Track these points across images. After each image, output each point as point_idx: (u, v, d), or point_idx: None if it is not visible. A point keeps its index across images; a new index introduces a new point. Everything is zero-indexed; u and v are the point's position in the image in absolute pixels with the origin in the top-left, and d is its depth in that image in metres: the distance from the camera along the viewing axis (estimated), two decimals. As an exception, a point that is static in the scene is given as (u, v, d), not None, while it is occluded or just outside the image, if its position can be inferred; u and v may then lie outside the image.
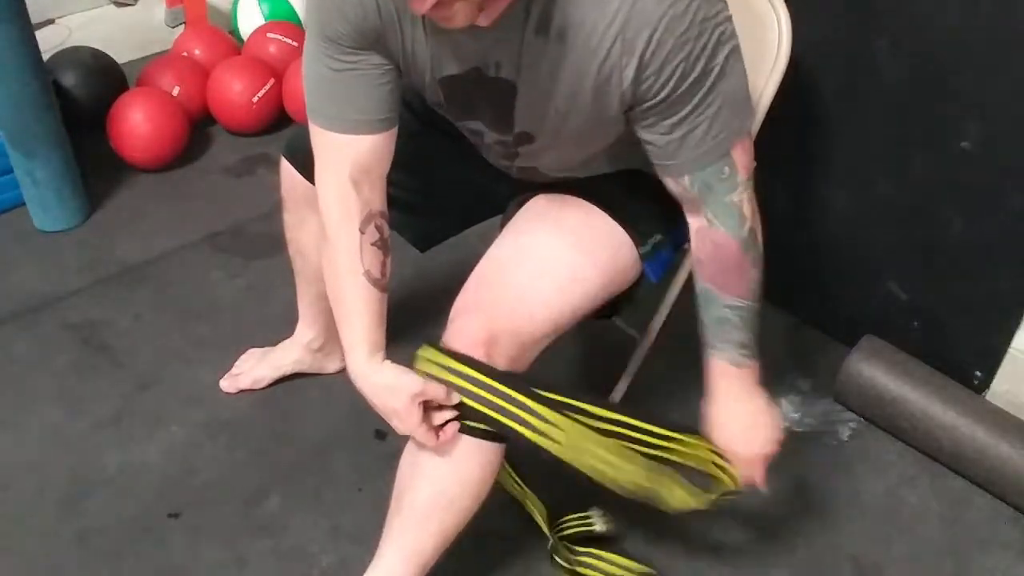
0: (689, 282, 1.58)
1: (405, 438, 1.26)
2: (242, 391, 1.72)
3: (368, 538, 1.27)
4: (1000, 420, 1.57)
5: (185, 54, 2.55)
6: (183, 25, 2.92)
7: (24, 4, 1.87)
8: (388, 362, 1.18)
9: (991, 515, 1.56)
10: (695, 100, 1.03)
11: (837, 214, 1.77)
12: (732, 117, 1.07)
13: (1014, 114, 1.45)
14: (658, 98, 1.03)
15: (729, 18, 1.04)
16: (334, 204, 1.19)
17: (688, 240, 1.44)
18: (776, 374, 1.79)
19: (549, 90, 1.07)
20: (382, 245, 1.20)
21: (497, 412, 1.13)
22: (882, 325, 1.74)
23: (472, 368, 1.12)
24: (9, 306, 1.90)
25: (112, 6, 2.95)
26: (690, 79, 1.01)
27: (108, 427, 1.65)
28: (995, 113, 1.47)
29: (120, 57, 2.49)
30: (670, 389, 1.75)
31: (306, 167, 1.43)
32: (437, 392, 1.12)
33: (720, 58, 1.02)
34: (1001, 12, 1.40)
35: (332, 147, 1.17)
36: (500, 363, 1.18)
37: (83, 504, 1.52)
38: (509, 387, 1.13)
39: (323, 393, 1.73)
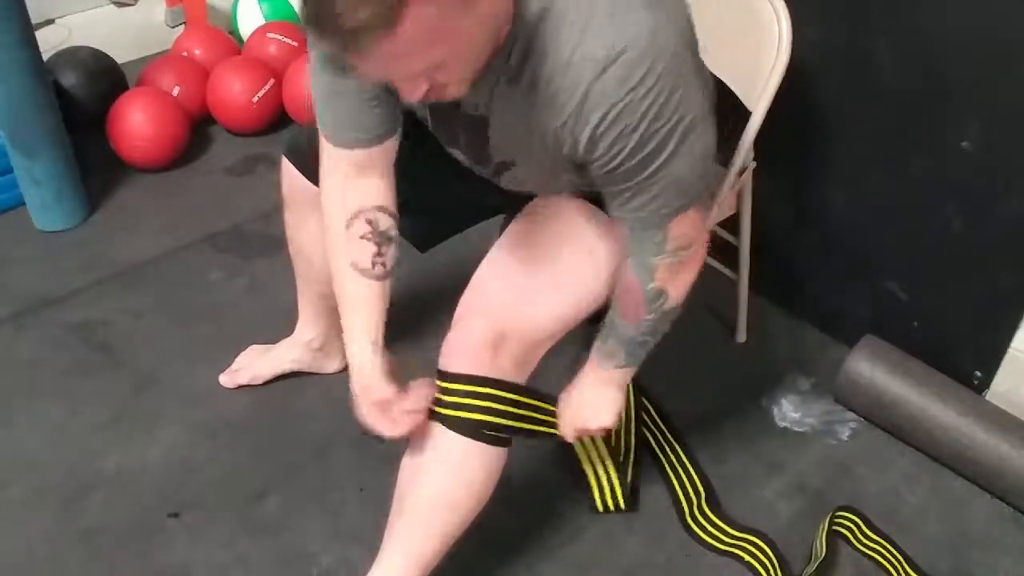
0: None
1: (406, 438, 1.26)
2: (241, 387, 1.72)
3: (368, 538, 1.27)
4: (1000, 420, 1.57)
5: (185, 54, 2.55)
6: (183, 25, 2.91)
7: (24, 4, 1.87)
8: (380, 357, 1.20)
9: (991, 515, 1.56)
10: (639, 178, 1.04)
11: (837, 214, 1.77)
12: (676, 196, 1.08)
13: (1014, 114, 1.45)
14: (606, 168, 1.04)
15: (697, 89, 1.03)
16: (330, 203, 1.23)
17: None
18: (776, 374, 1.79)
19: (519, 131, 1.09)
20: (373, 237, 1.21)
21: (519, 421, 1.23)
22: (882, 325, 1.74)
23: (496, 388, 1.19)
24: (9, 306, 1.90)
25: (112, 6, 2.95)
26: (636, 159, 1.02)
27: (108, 427, 1.65)
28: (995, 113, 1.47)
29: (120, 57, 2.49)
30: (670, 389, 1.75)
31: (306, 166, 1.43)
32: (400, 402, 1.18)
33: (672, 144, 1.02)
34: (1001, 13, 1.40)
35: (332, 152, 1.20)
36: (506, 365, 1.19)
37: (83, 504, 1.52)
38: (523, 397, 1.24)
39: (323, 393, 1.73)
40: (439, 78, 0.93)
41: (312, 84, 1.17)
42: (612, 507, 1.52)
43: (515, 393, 1.21)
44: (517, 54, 1.00)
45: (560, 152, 1.07)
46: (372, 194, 1.21)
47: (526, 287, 1.20)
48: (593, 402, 1.30)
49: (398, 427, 1.17)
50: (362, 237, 1.20)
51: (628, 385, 1.35)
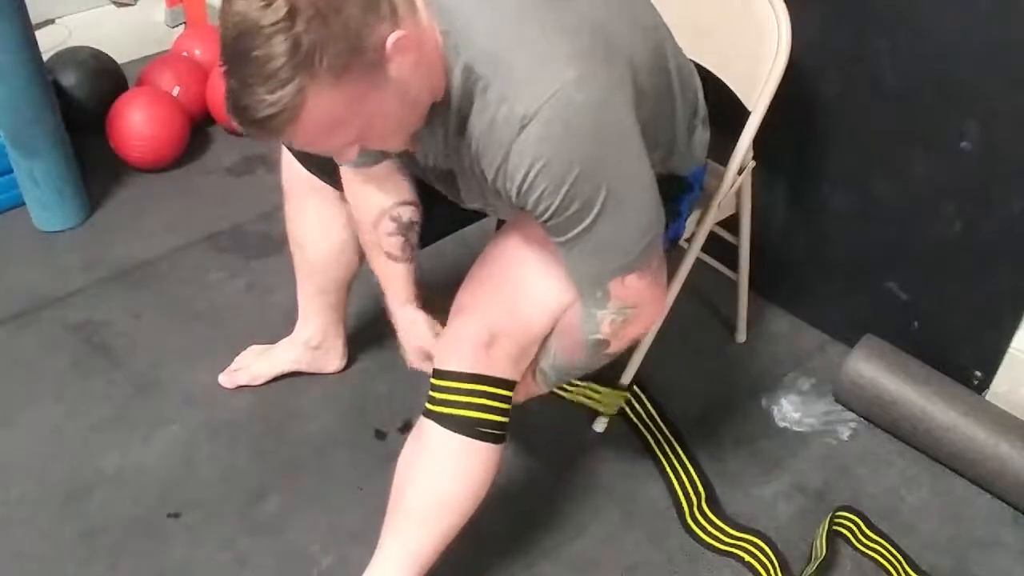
0: (689, 282, 1.59)
1: (406, 438, 1.27)
2: (240, 387, 1.72)
3: (368, 538, 1.27)
4: (1000, 420, 1.57)
5: (185, 54, 2.55)
6: (183, 25, 2.91)
7: (24, 4, 1.87)
8: (419, 312, 1.38)
9: (991, 515, 1.56)
10: (567, 236, 1.05)
11: (837, 214, 1.77)
12: (609, 259, 1.09)
13: (1014, 114, 1.45)
14: (540, 220, 1.05)
15: (627, 158, 1.04)
16: (357, 207, 1.36)
17: (680, 237, 1.45)
18: (776, 374, 1.79)
19: (472, 177, 1.12)
20: (399, 230, 1.34)
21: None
22: (882, 325, 1.74)
23: None
24: (9, 306, 1.90)
25: (112, 6, 2.95)
26: (562, 218, 1.03)
27: (108, 427, 1.65)
28: (995, 113, 1.47)
29: (120, 57, 2.48)
30: (671, 389, 1.76)
31: (306, 157, 1.43)
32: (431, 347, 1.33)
33: (597, 207, 1.02)
34: (1000, 13, 1.40)
35: (351, 171, 1.32)
36: (502, 362, 1.19)
37: (83, 504, 1.52)
38: None
39: (323, 393, 1.73)
40: (367, 143, 1.00)
41: None
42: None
43: (510, 389, 1.21)
44: (455, 110, 1.03)
45: (504, 197, 1.09)
46: (392, 192, 1.32)
47: (519, 286, 1.20)
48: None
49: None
50: (390, 234, 1.34)
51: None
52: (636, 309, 1.15)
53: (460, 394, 1.18)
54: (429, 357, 1.32)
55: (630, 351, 1.62)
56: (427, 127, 1.07)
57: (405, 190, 1.32)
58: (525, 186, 1.00)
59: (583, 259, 1.09)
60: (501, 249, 1.26)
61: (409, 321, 1.38)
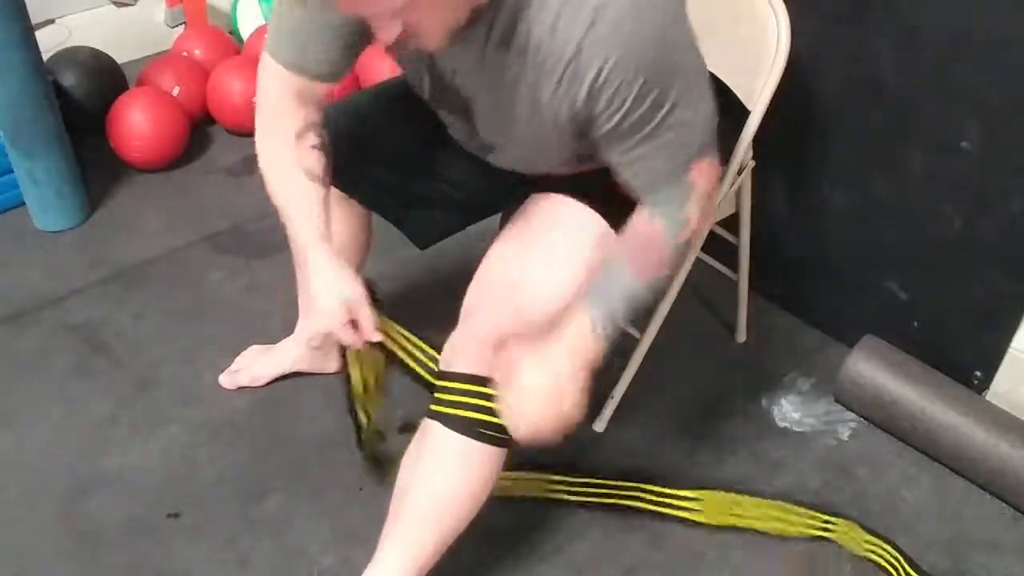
0: (689, 282, 1.59)
1: (407, 439, 1.26)
2: (241, 388, 1.72)
3: (368, 538, 1.27)
4: (1000, 420, 1.57)
5: (185, 54, 2.55)
6: (183, 25, 2.92)
7: (24, 4, 1.87)
8: (339, 259, 1.21)
9: (991, 515, 1.56)
10: (646, 130, 1.04)
11: (837, 214, 1.77)
12: (687, 144, 1.09)
13: (1014, 114, 1.45)
14: (610, 124, 1.04)
15: (690, 45, 1.04)
16: (273, 118, 1.24)
17: None
18: (776, 374, 1.79)
19: (511, 100, 1.09)
20: (321, 148, 1.25)
21: None
22: (882, 325, 1.74)
23: None
24: (9, 306, 1.90)
25: (112, 6, 2.95)
26: (640, 111, 1.02)
27: (108, 427, 1.65)
28: (995, 113, 1.47)
29: (120, 57, 2.48)
30: (670, 389, 1.76)
31: None
32: (367, 315, 1.20)
33: (673, 93, 1.02)
34: (1000, 12, 1.40)
35: (280, 74, 1.21)
36: None
37: (83, 504, 1.52)
38: None
39: (323, 393, 1.73)
40: (411, 21, 0.94)
41: (276, 15, 1.20)
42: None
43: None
44: (505, 15, 1.00)
45: (557, 121, 1.07)
46: (312, 113, 1.25)
47: (526, 287, 1.20)
48: (556, 386, 1.13)
49: (360, 336, 1.20)
50: (313, 147, 1.24)
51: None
52: (711, 197, 1.15)
53: (466, 395, 1.18)
54: (347, 322, 1.18)
55: (626, 354, 1.62)
56: (461, 41, 1.03)
57: (321, 117, 1.27)
58: (600, 81, 0.98)
59: (662, 152, 1.07)
60: (506, 249, 1.26)
61: (327, 263, 1.20)
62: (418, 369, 1.24)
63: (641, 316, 1.20)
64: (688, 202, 1.13)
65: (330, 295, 1.19)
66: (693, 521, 1.51)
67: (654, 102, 1.01)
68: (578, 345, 1.14)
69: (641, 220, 1.16)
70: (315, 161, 1.24)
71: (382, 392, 1.36)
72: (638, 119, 1.03)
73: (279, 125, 1.24)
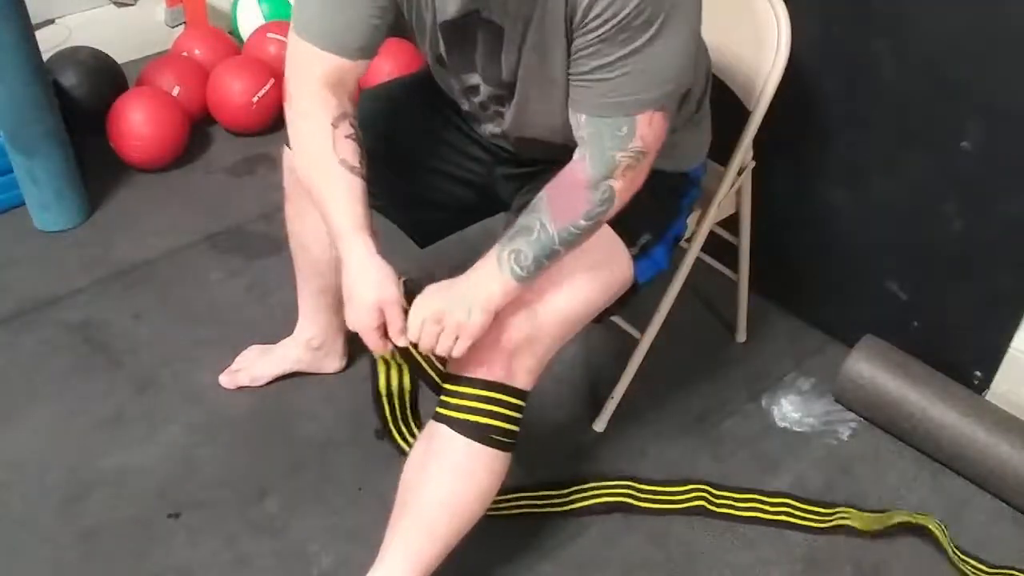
0: (689, 282, 1.59)
1: (411, 440, 1.26)
2: (240, 388, 1.72)
3: (368, 538, 1.27)
4: (1000, 420, 1.57)
5: (185, 54, 2.55)
6: (183, 25, 2.91)
7: (24, 4, 1.87)
8: (378, 256, 1.16)
9: (991, 515, 1.56)
10: (625, 50, 1.06)
11: (837, 214, 1.77)
12: (649, 85, 1.09)
13: (1014, 114, 1.45)
14: (597, 31, 1.05)
15: (692, 4, 1.08)
16: (307, 102, 1.22)
17: (682, 235, 1.44)
18: (776, 374, 1.79)
19: (530, 32, 1.10)
20: (356, 139, 1.22)
21: None
22: (882, 325, 1.74)
23: None
24: (9, 306, 1.90)
25: (112, 6, 2.95)
26: (627, 26, 1.04)
27: (108, 427, 1.65)
28: (995, 113, 1.47)
29: (120, 57, 2.48)
30: (670, 389, 1.76)
31: None
32: (396, 319, 1.14)
33: (659, 21, 1.05)
34: (1000, 12, 1.40)
35: (312, 57, 1.19)
36: (521, 373, 1.19)
37: (83, 504, 1.52)
38: None
39: (323, 393, 1.73)
40: None
41: None
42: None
43: (524, 399, 1.21)
44: None
45: (560, 49, 1.09)
46: (348, 104, 1.23)
47: (532, 298, 1.20)
48: (463, 295, 1.13)
49: (388, 344, 1.15)
50: (347, 137, 1.21)
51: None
52: (646, 157, 1.14)
53: (475, 400, 1.17)
54: (378, 325, 1.14)
55: (626, 354, 1.62)
56: None
57: (354, 109, 1.25)
58: None
59: (625, 81, 1.08)
60: None
61: (365, 257, 1.15)
62: (430, 371, 1.22)
63: (547, 264, 1.16)
64: (624, 148, 1.12)
65: (366, 294, 1.14)
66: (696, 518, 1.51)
67: (640, 25, 1.04)
68: (480, 280, 1.14)
69: (572, 160, 1.15)
70: (352, 152, 1.20)
71: (408, 395, 1.31)
72: (623, 35, 1.05)
73: (312, 111, 1.21)
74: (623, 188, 1.15)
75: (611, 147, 1.12)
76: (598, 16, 1.04)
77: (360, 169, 1.20)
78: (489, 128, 1.32)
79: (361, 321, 1.14)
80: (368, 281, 1.14)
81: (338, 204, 1.19)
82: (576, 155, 1.15)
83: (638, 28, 1.04)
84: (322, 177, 1.20)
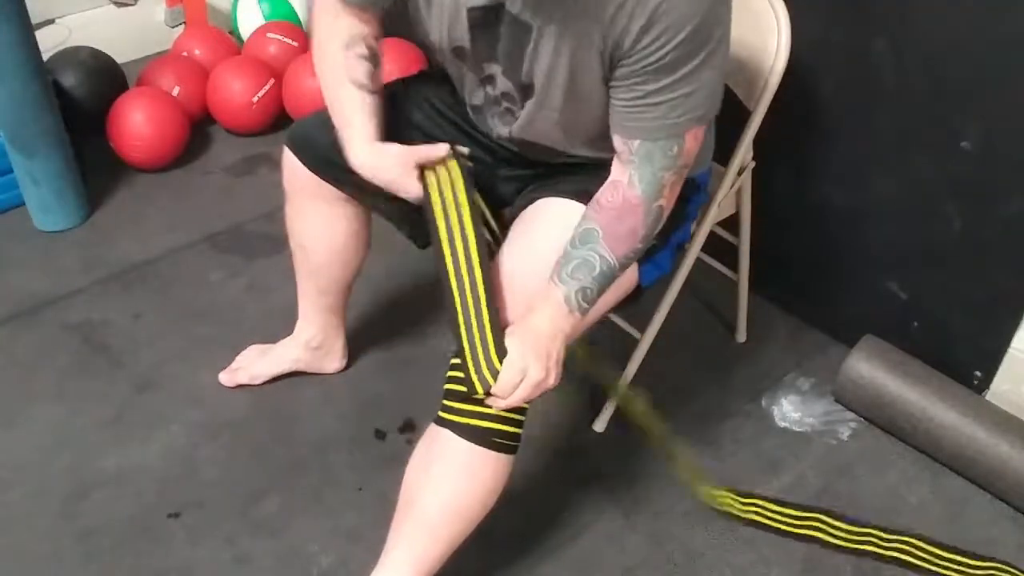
0: (689, 282, 1.59)
1: (405, 439, 1.26)
2: (240, 386, 1.72)
3: (368, 538, 1.27)
4: (1000, 420, 1.57)
5: (185, 54, 2.55)
6: (183, 25, 2.91)
7: (24, 4, 1.87)
8: (385, 144, 1.27)
9: (991, 515, 1.56)
10: (677, 75, 1.08)
11: (837, 214, 1.77)
12: (699, 104, 1.12)
13: (1014, 114, 1.45)
14: (648, 60, 1.07)
15: (730, 20, 1.11)
16: (325, 32, 1.31)
17: (687, 241, 1.44)
18: (776, 374, 1.79)
19: (560, 36, 1.11)
20: (370, 58, 1.30)
21: None
22: (882, 325, 1.74)
23: None
24: (9, 306, 1.90)
25: (112, 6, 2.95)
26: (682, 52, 1.06)
27: (108, 427, 1.65)
28: (995, 113, 1.47)
29: (120, 57, 2.49)
30: (670, 389, 1.76)
31: (305, 154, 1.44)
32: (427, 151, 1.25)
33: (711, 46, 1.08)
34: (1000, 12, 1.40)
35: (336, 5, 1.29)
36: None
37: (83, 504, 1.52)
38: None
39: (323, 393, 1.73)
40: None
41: None
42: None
43: (527, 401, 1.20)
44: None
45: (595, 61, 1.10)
46: (365, 26, 1.30)
47: (535, 291, 1.19)
48: (541, 348, 1.14)
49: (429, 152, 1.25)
50: (360, 56, 1.29)
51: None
52: (687, 167, 1.18)
53: (478, 404, 1.17)
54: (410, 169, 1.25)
55: (626, 354, 1.62)
56: None
57: (380, 26, 1.32)
58: (660, 11, 1.04)
59: (676, 106, 1.11)
60: (513, 258, 1.25)
61: (379, 153, 1.27)
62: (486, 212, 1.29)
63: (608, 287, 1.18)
64: (671, 168, 1.15)
65: (393, 176, 1.26)
66: (692, 520, 1.50)
67: (693, 49, 1.07)
68: (552, 322, 1.16)
69: (620, 183, 1.17)
70: (362, 71, 1.28)
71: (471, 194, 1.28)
72: (677, 60, 1.07)
73: (331, 34, 1.29)
74: (667, 205, 1.19)
75: (661, 167, 1.15)
76: (649, 46, 1.06)
77: (371, 85, 1.28)
78: (497, 127, 1.31)
79: (406, 186, 1.26)
80: (388, 166, 1.26)
81: (351, 116, 1.28)
82: (620, 176, 1.17)
83: (690, 54, 1.07)
84: (335, 97, 1.30)
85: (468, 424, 1.17)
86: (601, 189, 1.19)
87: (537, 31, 1.12)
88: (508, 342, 1.14)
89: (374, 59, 1.30)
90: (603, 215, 1.17)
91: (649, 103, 1.11)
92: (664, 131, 1.13)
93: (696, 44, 1.06)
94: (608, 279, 1.18)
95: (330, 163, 1.39)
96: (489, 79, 1.25)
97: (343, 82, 1.28)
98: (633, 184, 1.16)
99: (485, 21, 1.16)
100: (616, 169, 1.19)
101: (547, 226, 1.24)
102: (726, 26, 1.10)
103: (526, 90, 1.20)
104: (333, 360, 1.74)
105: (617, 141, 1.17)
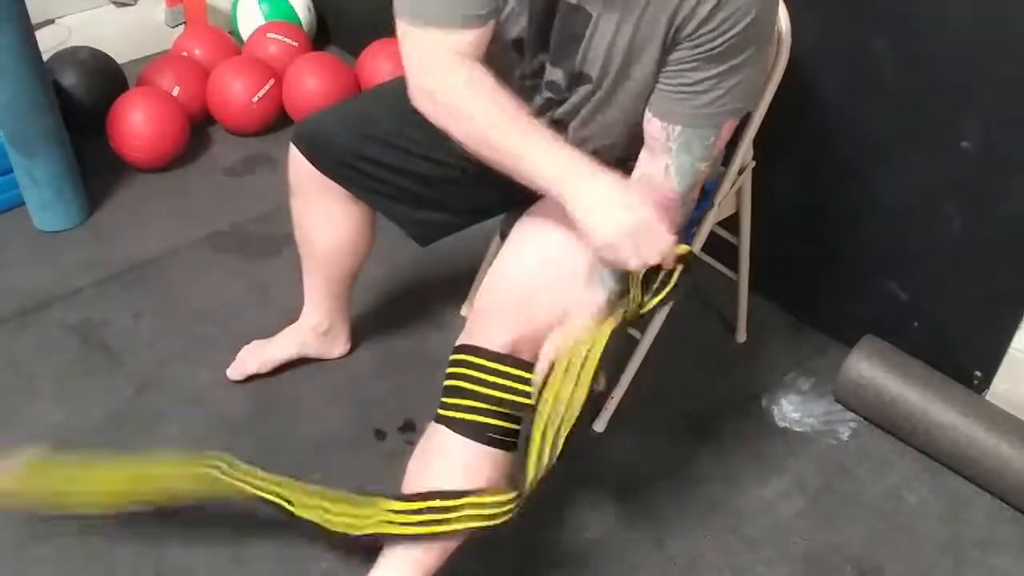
0: (689, 282, 1.58)
1: (405, 439, 1.26)
2: (249, 377, 1.72)
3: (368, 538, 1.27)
4: (1000, 420, 1.57)
5: (185, 54, 2.55)
6: (183, 25, 2.92)
7: (24, 4, 1.87)
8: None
9: (991, 515, 1.56)
10: (729, 64, 1.10)
11: (837, 214, 1.77)
12: (740, 96, 1.15)
13: (1014, 114, 1.45)
14: (707, 45, 1.09)
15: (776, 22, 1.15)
16: (457, 78, 1.15)
17: (688, 242, 1.44)
18: (776, 374, 1.80)
19: (621, 26, 1.12)
20: (536, 112, 1.25)
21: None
22: (882, 325, 1.74)
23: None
24: (9, 306, 1.90)
25: (112, 6, 2.95)
26: (739, 40, 1.09)
27: (108, 427, 1.65)
28: (995, 113, 1.47)
29: (120, 57, 2.48)
30: (670, 389, 1.76)
31: (315, 154, 1.44)
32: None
33: (761, 40, 1.13)
34: (1000, 11, 1.40)
35: (431, 42, 1.14)
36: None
37: (83, 504, 1.52)
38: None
39: (323, 392, 1.73)
40: None
41: None
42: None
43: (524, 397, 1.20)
44: None
45: (652, 49, 1.11)
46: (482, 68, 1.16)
47: (539, 291, 1.20)
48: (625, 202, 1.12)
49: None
50: (496, 85, 1.15)
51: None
52: (718, 157, 1.20)
53: (473, 399, 1.17)
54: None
55: (626, 354, 1.62)
56: None
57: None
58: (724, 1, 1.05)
59: (722, 95, 1.12)
60: (514, 257, 1.25)
61: (618, 187, 1.11)
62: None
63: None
64: (707, 158, 1.17)
65: (644, 241, 1.10)
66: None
67: (748, 39, 1.09)
68: (653, 181, 1.17)
69: (653, 177, 1.17)
70: (521, 103, 1.15)
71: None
72: (729, 49, 1.09)
73: (449, 78, 1.15)
74: (694, 198, 1.22)
75: (698, 158, 1.16)
76: (713, 30, 1.08)
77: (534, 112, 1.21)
78: (548, 89, 1.26)
79: (662, 243, 1.12)
80: (620, 195, 1.10)
81: (550, 152, 1.12)
82: (653, 168, 1.16)
83: (744, 45, 1.09)
84: (521, 134, 1.13)
85: (465, 420, 1.18)
86: (638, 173, 1.19)
87: (597, 20, 1.13)
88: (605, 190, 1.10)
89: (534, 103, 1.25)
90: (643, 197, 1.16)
91: (696, 90, 1.12)
92: (706, 119, 1.15)
93: (752, 35, 1.09)
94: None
95: (344, 165, 1.39)
96: (537, 72, 1.25)
97: (520, 115, 1.13)
98: (670, 176, 1.17)
99: (543, 7, 1.16)
100: (646, 161, 1.18)
101: (556, 234, 1.25)
102: (775, 25, 1.14)
103: (576, 79, 1.20)
104: (338, 345, 1.75)
105: (654, 127, 1.17)
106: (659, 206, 1.15)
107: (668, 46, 1.12)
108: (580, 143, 1.24)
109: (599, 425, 1.67)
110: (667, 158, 1.16)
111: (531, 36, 1.20)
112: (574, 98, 1.23)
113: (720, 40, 1.08)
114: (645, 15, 1.10)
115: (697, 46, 1.10)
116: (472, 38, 1.15)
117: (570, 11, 1.14)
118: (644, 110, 1.20)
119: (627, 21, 1.11)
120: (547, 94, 1.26)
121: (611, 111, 1.23)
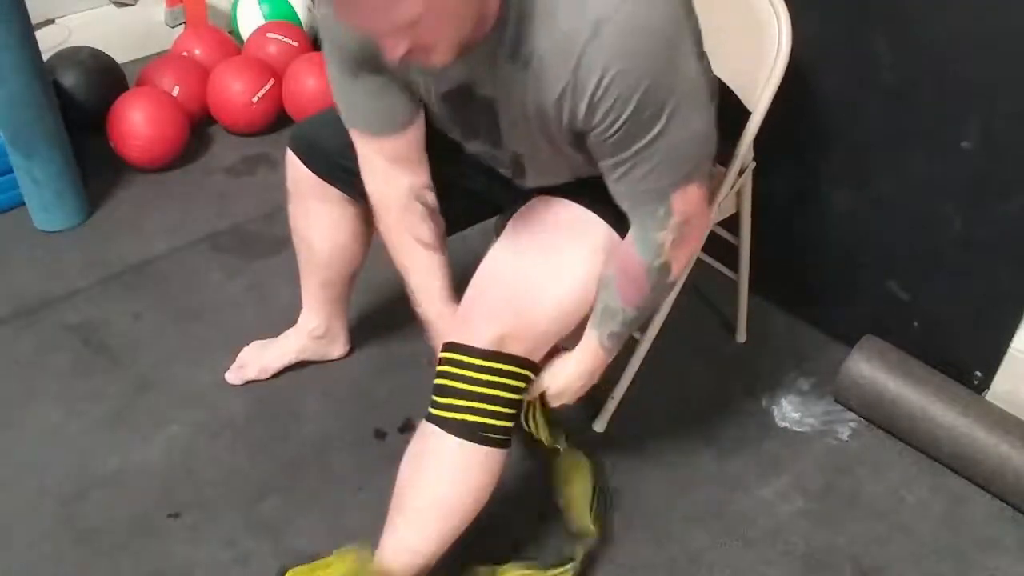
0: (689, 282, 1.59)
1: (405, 439, 1.26)
2: (248, 382, 1.72)
3: (368, 538, 1.27)
4: (1000, 420, 1.57)
5: (185, 54, 2.55)
6: (183, 25, 2.92)
7: (24, 4, 1.87)
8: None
9: (991, 515, 1.56)
10: (637, 145, 1.05)
11: (837, 214, 1.77)
12: (675, 167, 1.10)
13: (1014, 114, 1.45)
14: (604, 136, 1.05)
15: (692, 60, 1.05)
16: (378, 192, 1.30)
17: None
18: (776, 374, 1.79)
19: (523, 111, 1.09)
20: (430, 215, 1.29)
21: None
22: (882, 325, 1.74)
23: None
24: (9, 306, 1.90)
25: (112, 6, 2.95)
26: (634, 126, 1.03)
27: (108, 427, 1.65)
28: (995, 113, 1.47)
29: (120, 57, 2.49)
30: (670, 389, 1.76)
31: (311, 157, 1.44)
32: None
33: (668, 110, 1.03)
34: (1001, 11, 1.40)
35: (365, 143, 1.26)
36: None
37: (83, 504, 1.52)
38: None
39: (323, 393, 1.73)
40: (420, 38, 0.94)
41: (330, 79, 1.23)
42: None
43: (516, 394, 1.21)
44: (512, 29, 1.00)
45: (559, 132, 1.08)
46: (419, 172, 1.28)
47: (527, 288, 1.20)
48: (576, 376, 1.30)
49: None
50: (422, 218, 1.29)
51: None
52: (691, 224, 1.16)
53: (465, 398, 1.17)
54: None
55: (626, 354, 1.62)
56: (477, 56, 1.04)
57: (426, 175, 1.29)
58: (600, 92, 0.99)
59: (649, 173, 1.09)
60: (507, 254, 1.25)
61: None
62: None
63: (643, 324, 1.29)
64: (663, 229, 1.14)
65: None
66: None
67: (649, 118, 1.02)
68: (587, 357, 1.27)
69: (625, 243, 1.19)
70: (426, 231, 1.29)
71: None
72: (632, 132, 1.04)
73: (387, 194, 1.29)
74: (677, 257, 1.19)
75: (653, 229, 1.15)
76: (601, 122, 1.03)
77: (437, 244, 1.30)
78: (501, 169, 1.32)
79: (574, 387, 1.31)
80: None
81: (423, 281, 1.31)
82: (629, 236, 1.18)
83: (647, 123, 1.03)
84: (406, 259, 1.32)
85: (456, 419, 1.18)
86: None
87: (499, 105, 1.12)
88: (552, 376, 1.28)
89: (433, 211, 1.30)
90: (615, 266, 1.21)
91: (620, 173, 1.10)
92: (644, 197, 1.13)
93: (654, 108, 1.01)
94: (632, 322, 1.25)
95: (338, 167, 1.39)
96: (483, 153, 1.27)
97: (411, 248, 1.30)
98: (633, 245, 1.18)
99: (456, 101, 1.16)
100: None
101: (548, 232, 1.26)
102: (687, 74, 1.04)
103: (514, 158, 1.22)
104: (337, 347, 1.75)
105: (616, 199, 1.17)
106: (623, 273, 1.19)
107: (573, 133, 1.08)
108: (538, 187, 1.30)
109: (599, 425, 1.67)
110: (632, 228, 1.17)
111: (454, 121, 1.22)
112: (518, 167, 1.25)
113: (614, 129, 1.03)
114: (528, 102, 1.07)
115: (598, 136, 1.05)
116: (400, 143, 1.24)
117: (480, 100, 1.13)
118: (572, 163, 1.21)
119: (520, 103, 1.08)
120: (493, 164, 1.29)
121: (554, 166, 1.24)
